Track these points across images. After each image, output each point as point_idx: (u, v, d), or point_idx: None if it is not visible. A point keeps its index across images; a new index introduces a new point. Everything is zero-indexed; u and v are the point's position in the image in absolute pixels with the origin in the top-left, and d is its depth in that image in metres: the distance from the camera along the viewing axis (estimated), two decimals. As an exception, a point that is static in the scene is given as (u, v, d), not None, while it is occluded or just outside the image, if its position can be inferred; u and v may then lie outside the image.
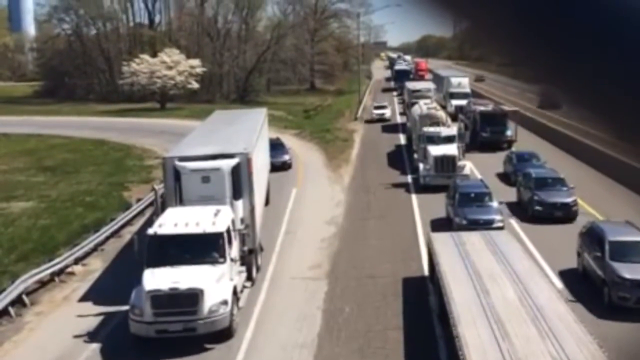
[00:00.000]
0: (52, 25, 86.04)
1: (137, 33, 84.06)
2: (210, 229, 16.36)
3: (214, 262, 16.03)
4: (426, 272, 18.99)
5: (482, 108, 42.08)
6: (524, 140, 38.91)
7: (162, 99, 68.29)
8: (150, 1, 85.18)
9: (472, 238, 18.16)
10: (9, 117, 61.80)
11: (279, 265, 21.01)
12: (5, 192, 31.61)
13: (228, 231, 16.66)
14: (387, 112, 53.88)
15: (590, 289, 17.61)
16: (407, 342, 15.54)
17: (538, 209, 24.58)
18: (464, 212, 22.87)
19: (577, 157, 33.57)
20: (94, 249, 22.74)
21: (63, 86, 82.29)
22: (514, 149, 36.65)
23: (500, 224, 22.17)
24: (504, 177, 31.55)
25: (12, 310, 17.57)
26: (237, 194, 18.76)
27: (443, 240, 18.02)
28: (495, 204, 23.74)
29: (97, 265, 21.70)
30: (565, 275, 18.90)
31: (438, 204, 25.87)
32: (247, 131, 23.92)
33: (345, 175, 34.48)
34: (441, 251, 17.07)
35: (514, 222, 24.19)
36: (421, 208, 27.07)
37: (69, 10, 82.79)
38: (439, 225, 23.63)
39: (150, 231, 16.62)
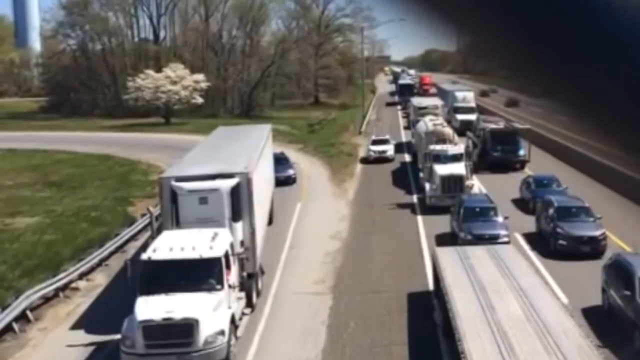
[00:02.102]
0: (58, 40, 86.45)
1: (142, 48, 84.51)
2: (207, 253, 15.58)
3: (210, 289, 15.29)
4: (431, 286, 18.91)
5: (492, 126, 39.93)
6: (538, 161, 36.73)
7: (167, 114, 68.52)
8: (155, 17, 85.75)
9: (477, 252, 18.09)
10: (14, 132, 62.12)
11: (282, 280, 20.97)
12: (10, 208, 31.69)
13: (226, 256, 15.95)
14: (390, 149, 42.12)
15: (617, 331, 15.84)
16: (412, 357, 15.47)
17: (562, 243, 21.95)
18: (468, 227, 22.74)
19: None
20: (99, 264, 22.75)
21: (68, 101, 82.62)
22: (528, 170, 34.84)
23: (505, 239, 22.02)
24: (521, 204, 28.86)
25: (16, 327, 17.54)
26: (236, 216, 17.98)
27: (448, 255, 17.96)
28: (500, 218, 23.46)
29: (101, 281, 21.69)
30: (589, 314, 16.91)
31: (442, 219, 25.77)
32: (249, 149, 23.26)
33: (350, 190, 34.45)
34: (446, 266, 17.00)
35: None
36: (425, 223, 26.99)
37: (75, 26, 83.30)
38: (444, 240, 23.54)
39: (144, 256, 15.89)
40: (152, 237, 18.19)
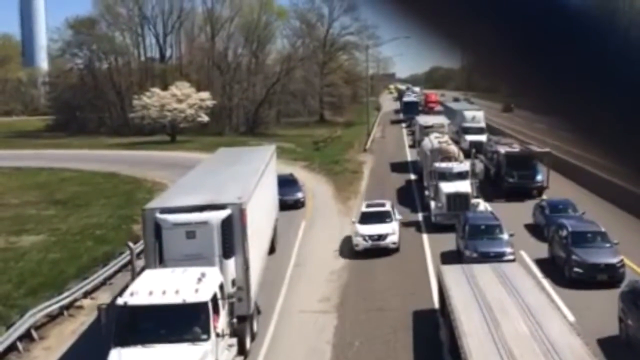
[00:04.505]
0: (65, 60, 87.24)
1: (148, 67, 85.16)
2: (191, 298, 13.75)
3: (195, 339, 13.48)
4: (436, 305, 18.81)
5: (507, 149, 36.42)
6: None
7: (173, 132, 68.80)
8: (162, 36, 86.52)
9: (483, 270, 18.00)
10: (21, 150, 62.44)
11: (288, 298, 20.90)
12: (16, 226, 31.76)
13: (214, 299, 14.16)
14: (393, 231, 25.19)
15: None
16: (418, 377, 15.33)
17: (577, 270, 20.65)
18: (474, 244, 22.65)
19: (624, 209, 27.72)
20: (103, 283, 22.73)
21: (75, 120, 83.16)
22: (545, 197, 32.13)
23: (511, 257, 21.92)
24: (534, 229, 27.36)
25: (20, 345, 17.51)
26: (228, 252, 16.18)
27: (453, 273, 17.87)
28: (505, 236, 23.39)
29: (105, 299, 21.62)
30: (605, 344, 15.93)
31: (448, 237, 25.67)
32: (246, 174, 21.37)
33: (355, 208, 34.34)
34: (452, 284, 16.92)
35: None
36: (431, 240, 26.89)
37: (82, 45, 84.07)
38: (450, 257, 23.44)
39: (120, 301, 14.07)
40: (133, 278, 16.71)
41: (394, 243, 24.94)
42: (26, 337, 17.97)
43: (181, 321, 13.72)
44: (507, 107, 74.64)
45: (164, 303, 13.75)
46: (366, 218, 25.81)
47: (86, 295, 21.42)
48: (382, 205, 27.54)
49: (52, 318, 19.60)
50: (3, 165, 52.12)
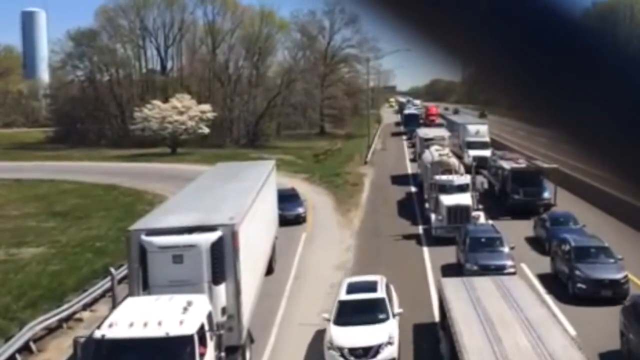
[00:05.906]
0: (66, 72, 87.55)
1: (149, 79, 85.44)
2: (175, 330, 12.58)
3: None
4: (437, 318, 18.74)
5: (513, 165, 35.25)
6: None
7: (173, 144, 68.91)
8: (163, 48, 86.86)
9: (484, 283, 17.96)
10: (21, 162, 62.51)
11: (288, 310, 20.84)
12: (15, 238, 31.72)
13: (201, 331, 13.00)
14: (389, 339, 15.89)
15: None
16: (419, 390, 15.23)
17: (581, 286, 20.55)
18: (474, 257, 22.62)
19: (625, 222, 27.25)
20: (102, 295, 22.66)
21: (75, 132, 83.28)
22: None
23: (511, 270, 21.88)
24: (535, 243, 27.26)
25: (19, 358, 17.45)
26: (217, 277, 15.00)
27: (454, 286, 17.83)
28: (506, 249, 23.37)
29: (104, 312, 21.55)
30: (606, 359, 15.94)
31: (449, 250, 25.63)
32: (241, 193, 20.23)
33: (355, 220, 34.36)
34: (452, 297, 16.87)
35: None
36: (431, 253, 26.85)
37: (83, 57, 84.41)
38: (450, 270, 23.38)
39: (98, 334, 12.83)
40: (113, 306, 15.96)
41: (392, 352, 15.88)
42: (25, 349, 17.90)
43: (164, 356, 12.63)
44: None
45: (146, 336, 12.59)
46: (346, 313, 16.64)
47: (85, 307, 21.36)
48: (373, 287, 17.82)
49: (50, 331, 19.53)
50: (3, 177, 52.16)
